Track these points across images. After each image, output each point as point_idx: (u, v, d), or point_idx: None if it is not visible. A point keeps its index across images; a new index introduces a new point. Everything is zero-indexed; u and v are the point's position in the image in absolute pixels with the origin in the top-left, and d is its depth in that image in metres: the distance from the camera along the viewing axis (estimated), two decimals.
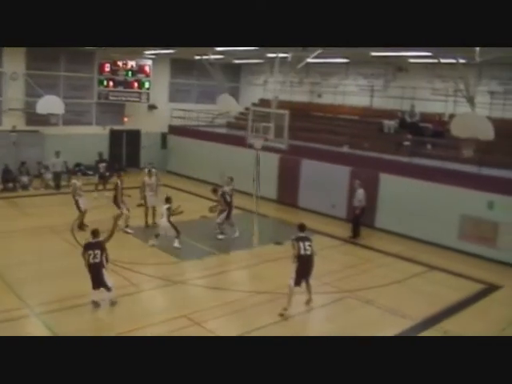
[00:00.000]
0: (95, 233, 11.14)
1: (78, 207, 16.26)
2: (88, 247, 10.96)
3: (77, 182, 16.88)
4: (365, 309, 11.68)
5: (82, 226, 16.01)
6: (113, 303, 11.06)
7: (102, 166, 21.83)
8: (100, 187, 21.72)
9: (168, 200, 15.48)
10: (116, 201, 16.40)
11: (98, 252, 10.80)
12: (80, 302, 10.94)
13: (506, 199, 15.46)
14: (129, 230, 15.86)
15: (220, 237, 16.21)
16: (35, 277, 12.24)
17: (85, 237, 15.19)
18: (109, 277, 11.10)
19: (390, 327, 10.70)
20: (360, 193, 17.14)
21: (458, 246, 16.40)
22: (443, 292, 12.88)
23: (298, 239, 11.31)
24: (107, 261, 11.10)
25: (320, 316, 11.55)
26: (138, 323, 10.16)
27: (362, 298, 12.18)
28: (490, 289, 13.45)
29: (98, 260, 10.78)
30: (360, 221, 17.43)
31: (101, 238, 11.23)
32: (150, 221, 17.19)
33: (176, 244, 15.11)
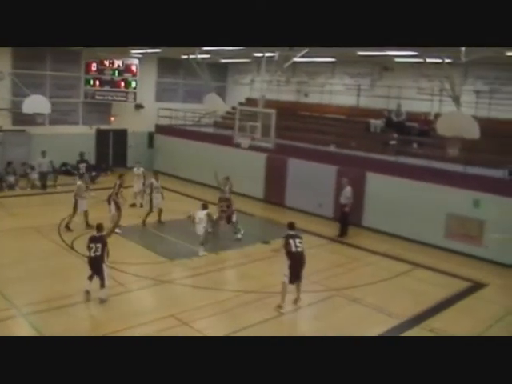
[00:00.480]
0: (99, 227, 11.45)
1: (75, 208, 16.14)
2: (91, 240, 11.24)
3: (82, 183, 16.86)
4: (352, 307, 11.73)
5: (68, 226, 15.97)
6: (102, 301, 11.05)
7: (83, 166, 21.59)
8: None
9: (205, 206, 15.25)
10: (109, 199, 16.34)
11: (99, 246, 11.04)
12: (67, 303, 10.88)
13: (492, 197, 15.54)
14: (117, 230, 15.83)
15: (239, 236, 16.21)
16: (22, 277, 12.14)
17: (72, 237, 15.31)
18: (108, 274, 11.21)
19: (376, 325, 10.74)
20: (348, 190, 17.18)
21: (444, 245, 16.47)
22: (429, 290, 12.96)
23: (289, 237, 11.39)
24: (107, 256, 11.28)
25: (308, 314, 11.58)
26: (126, 323, 10.12)
27: (350, 296, 12.22)
28: (476, 287, 13.56)
29: (98, 253, 11.02)
30: (348, 219, 17.48)
31: (104, 233, 11.49)
32: (147, 219, 17.18)
33: (201, 252, 14.82)
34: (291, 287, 11.37)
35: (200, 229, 14.87)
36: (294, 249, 11.18)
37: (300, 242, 11.29)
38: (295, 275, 11.22)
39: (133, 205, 18.46)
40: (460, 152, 16.65)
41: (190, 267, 13.72)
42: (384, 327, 10.65)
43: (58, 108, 24.51)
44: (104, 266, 11.17)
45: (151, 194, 17.18)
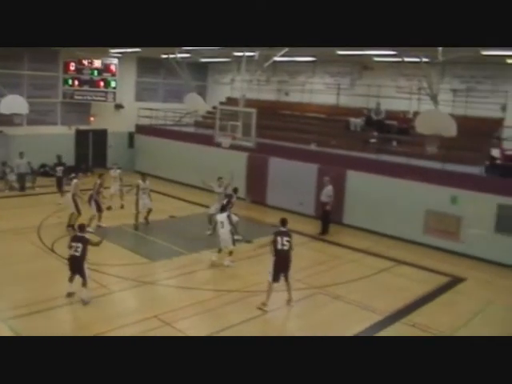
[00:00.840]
0: (81, 227, 11.46)
1: (77, 208, 16.00)
2: (73, 239, 11.20)
3: (79, 182, 16.63)
4: (335, 304, 11.80)
5: (73, 226, 15.75)
6: (84, 302, 10.99)
7: (60, 169, 21.00)
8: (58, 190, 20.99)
9: (224, 208, 14.88)
10: (90, 199, 16.24)
11: (80, 246, 10.96)
12: (48, 306, 10.77)
13: (469, 194, 15.80)
14: (89, 229, 15.60)
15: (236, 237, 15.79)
16: (1, 281, 11.99)
17: (52, 239, 15.14)
18: (89, 276, 11.17)
19: (359, 322, 10.83)
20: (329, 189, 17.25)
21: (423, 241, 16.69)
22: (410, 286, 13.11)
23: (277, 234, 11.42)
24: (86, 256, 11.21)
25: (290, 312, 11.59)
26: (109, 325, 10.07)
27: (332, 293, 12.31)
28: (455, 281, 13.76)
29: (78, 254, 10.94)
30: (329, 217, 17.56)
31: (86, 235, 11.48)
32: (138, 220, 17.08)
33: (227, 262, 14.03)
34: (278, 286, 11.42)
35: (226, 233, 13.93)
36: (279, 246, 11.21)
37: (287, 241, 11.30)
38: (279, 273, 11.25)
39: (109, 207, 18.34)
40: (438, 149, 16.94)
41: (171, 268, 13.68)
42: (367, 323, 10.76)
43: (36, 108, 24.17)
44: (84, 264, 11.09)
45: (137, 194, 17.05)
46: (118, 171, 19.04)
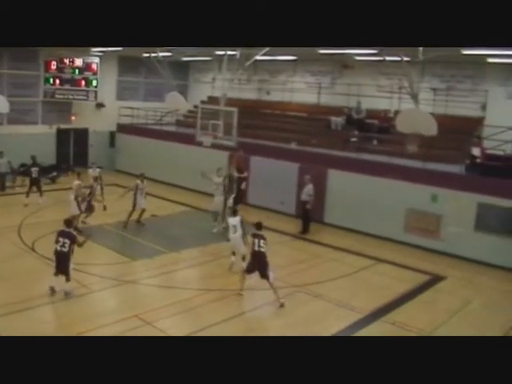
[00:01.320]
0: (68, 222, 11.40)
1: (80, 208, 15.90)
2: (59, 234, 11.14)
3: (80, 182, 16.47)
4: (315, 303, 11.80)
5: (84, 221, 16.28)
6: (67, 294, 11.03)
7: (35, 170, 20.47)
8: (34, 190, 20.30)
9: (236, 212, 14.54)
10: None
11: (67, 242, 10.95)
12: (28, 306, 10.62)
13: (449, 192, 15.85)
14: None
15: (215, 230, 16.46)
16: None
17: (33, 238, 14.95)
18: (73, 269, 11.18)
19: (339, 320, 10.84)
20: (310, 188, 17.25)
21: (404, 239, 16.74)
22: (391, 284, 13.14)
23: (254, 236, 11.76)
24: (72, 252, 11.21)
25: (271, 311, 11.54)
26: (89, 325, 9.97)
27: (312, 292, 12.30)
28: (435, 280, 13.81)
29: (65, 249, 10.92)
30: (310, 216, 17.56)
31: (72, 230, 11.44)
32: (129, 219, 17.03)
33: (243, 264, 13.06)
34: (260, 284, 11.63)
35: (237, 238, 13.54)
36: (256, 248, 11.42)
37: (264, 244, 11.49)
38: (253, 267, 11.60)
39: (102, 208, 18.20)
40: (419, 148, 17.08)
41: (152, 267, 13.58)
42: (347, 321, 10.76)
43: (17, 107, 23.97)
44: (70, 260, 11.09)
45: (136, 194, 17.02)
46: (98, 170, 18.83)
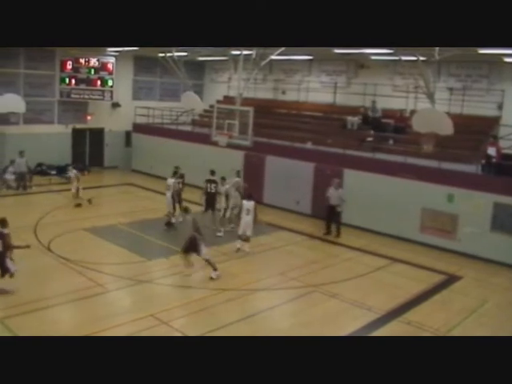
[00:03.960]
0: (3, 222, 11.31)
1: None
2: None
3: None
4: (331, 302, 11.77)
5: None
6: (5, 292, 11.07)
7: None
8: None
9: (251, 196, 15.49)
10: None
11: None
12: (43, 305, 10.70)
13: (465, 192, 15.76)
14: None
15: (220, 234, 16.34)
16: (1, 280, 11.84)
17: (50, 237, 15.06)
18: (12, 264, 11.19)
19: (355, 320, 10.83)
20: (342, 192, 17.18)
21: (419, 239, 16.65)
22: (406, 284, 13.10)
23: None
24: (8, 249, 11.24)
25: (286, 311, 11.57)
26: (105, 324, 10.03)
27: (328, 291, 12.28)
28: (451, 280, 13.74)
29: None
30: (340, 219, 17.40)
31: (6, 231, 11.29)
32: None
33: (246, 248, 14.92)
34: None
35: (250, 220, 14.82)
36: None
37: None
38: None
39: (78, 205, 18.65)
40: (434, 148, 16.86)
41: (167, 266, 13.65)
42: (363, 321, 10.76)
43: (33, 107, 24.02)
44: (6, 259, 11.10)
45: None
46: (74, 171, 19.34)
